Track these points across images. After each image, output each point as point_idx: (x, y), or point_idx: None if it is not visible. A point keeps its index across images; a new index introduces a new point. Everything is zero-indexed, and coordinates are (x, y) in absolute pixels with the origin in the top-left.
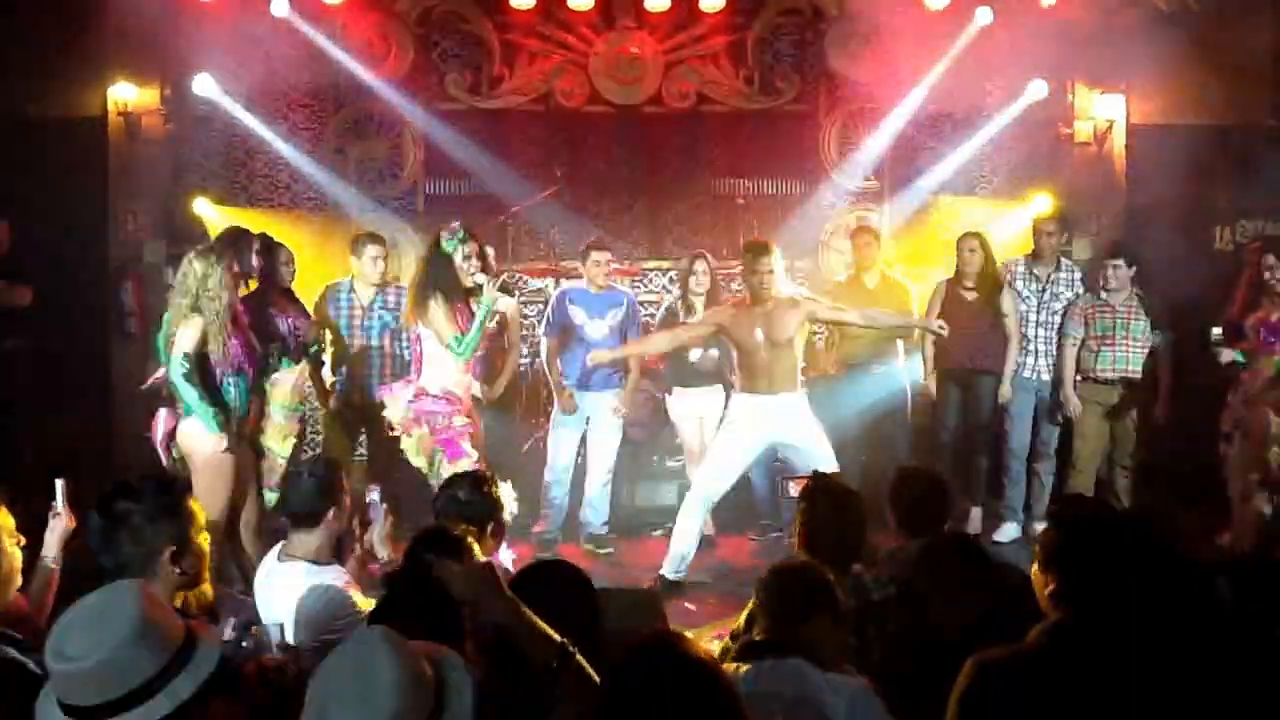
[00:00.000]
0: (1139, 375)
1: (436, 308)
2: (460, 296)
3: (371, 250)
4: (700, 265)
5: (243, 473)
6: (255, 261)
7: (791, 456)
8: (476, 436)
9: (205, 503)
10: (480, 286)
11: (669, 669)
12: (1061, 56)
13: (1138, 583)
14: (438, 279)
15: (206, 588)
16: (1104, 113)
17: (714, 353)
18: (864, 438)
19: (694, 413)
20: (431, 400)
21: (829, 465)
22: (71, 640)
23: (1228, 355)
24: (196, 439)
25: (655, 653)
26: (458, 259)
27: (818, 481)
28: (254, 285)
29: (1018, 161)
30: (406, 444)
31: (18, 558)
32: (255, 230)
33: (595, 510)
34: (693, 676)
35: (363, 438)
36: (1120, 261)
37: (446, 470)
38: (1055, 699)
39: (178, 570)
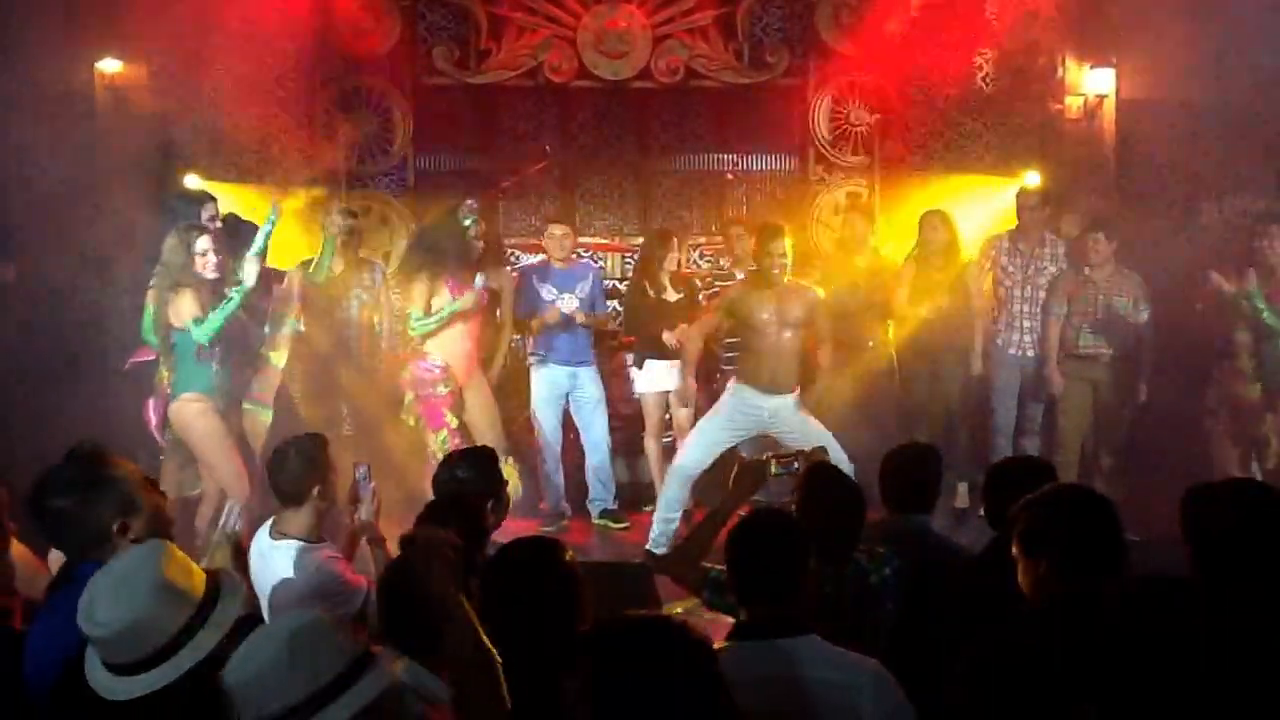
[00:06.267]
0: (1121, 351)
1: (421, 284)
2: (457, 272)
3: (339, 220)
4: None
5: (238, 441)
6: None
7: (788, 441)
8: (457, 402)
9: (217, 476)
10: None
11: (668, 651)
12: (1053, 30)
13: (1123, 553)
14: (438, 253)
15: None
16: (1094, 87)
17: (684, 327)
18: (852, 414)
19: (660, 385)
20: (423, 368)
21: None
22: (99, 607)
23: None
24: (187, 420)
25: (652, 634)
26: (470, 235)
27: (818, 470)
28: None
29: (1008, 136)
30: (405, 405)
31: (9, 535)
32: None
33: (602, 485)
34: (690, 659)
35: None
36: (1101, 235)
37: (429, 438)
38: (1059, 680)
39: (130, 538)
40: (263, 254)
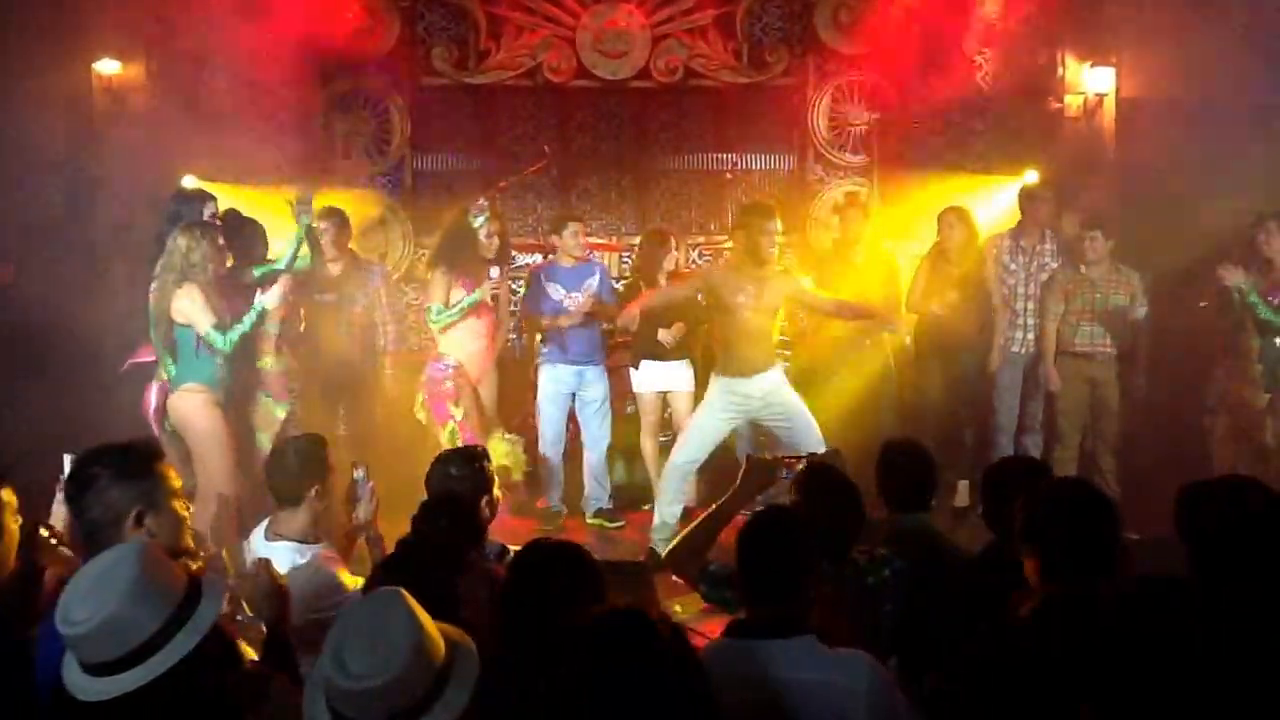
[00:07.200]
0: (1119, 349)
1: (438, 278)
2: (470, 269)
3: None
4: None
5: (237, 439)
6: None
7: (779, 434)
8: (464, 397)
9: (212, 473)
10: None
11: (635, 645)
12: (1052, 29)
13: (1115, 548)
14: (452, 251)
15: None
16: (1094, 86)
17: (680, 326)
18: (850, 414)
19: (658, 385)
20: (436, 369)
21: (816, 441)
22: (76, 604)
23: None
24: (188, 411)
25: (621, 628)
26: (481, 235)
27: (815, 472)
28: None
29: (1008, 135)
30: (418, 404)
31: (16, 535)
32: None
33: (598, 484)
34: (661, 653)
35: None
36: (1097, 233)
37: (438, 433)
38: (1052, 675)
39: (145, 533)
40: (290, 268)
